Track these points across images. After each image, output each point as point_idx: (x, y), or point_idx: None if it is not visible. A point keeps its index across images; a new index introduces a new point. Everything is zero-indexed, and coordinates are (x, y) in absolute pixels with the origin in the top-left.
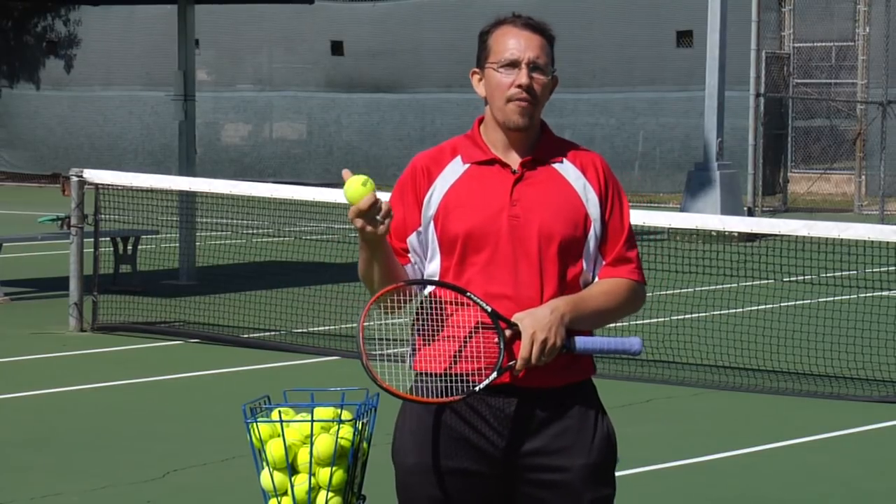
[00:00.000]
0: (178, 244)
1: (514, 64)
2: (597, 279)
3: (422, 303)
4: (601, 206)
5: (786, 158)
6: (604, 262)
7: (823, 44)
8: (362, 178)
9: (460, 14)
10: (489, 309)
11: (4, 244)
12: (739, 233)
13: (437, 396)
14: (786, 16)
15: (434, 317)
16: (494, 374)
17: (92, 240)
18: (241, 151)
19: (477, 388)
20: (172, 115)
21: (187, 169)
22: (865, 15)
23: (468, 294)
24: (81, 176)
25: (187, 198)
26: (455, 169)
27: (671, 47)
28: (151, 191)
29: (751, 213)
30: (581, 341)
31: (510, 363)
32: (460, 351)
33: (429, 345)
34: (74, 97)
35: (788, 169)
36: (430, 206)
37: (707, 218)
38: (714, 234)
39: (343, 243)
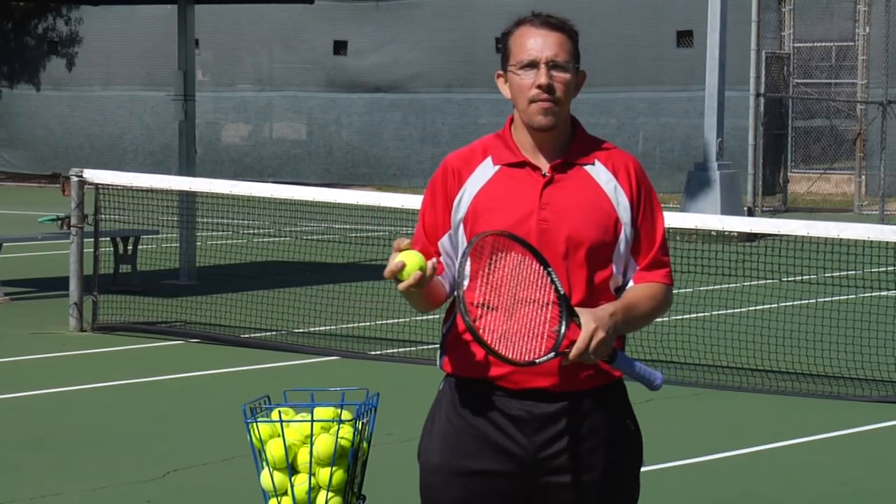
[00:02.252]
0: (178, 244)
1: (532, 64)
2: (631, 283)
3: (487, 278)
4: (632, 210)
5: (786, 158)
6: (638, 267)
7: (823, 44)
8: (411, 255)
9: (461, 14)
10: (562, 291)
11: (4, 244)
12: (739, 233)
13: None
14: (786, 16)
15: (498, 289)
16: (552, 354)
17: (92, 240)
18: (241, 151)
19: (537, 361)
20: (172, 115)
21: (187, 169)
22: (865, 15)
23: (549, 270)
24: (81, 176)
25: (187, 198)
26: (485, 171)
27: (671, 47)
28: (151, 191)
29: (751, 213)
30: (621, 356)
31: (566, 350)
32: (522, 327)
33: (491, 319)
34: (75, 97)
35: (788, 169)
36: (460, 209)
37: (707, 218)
38: (714, 234)
39: (343, 243)
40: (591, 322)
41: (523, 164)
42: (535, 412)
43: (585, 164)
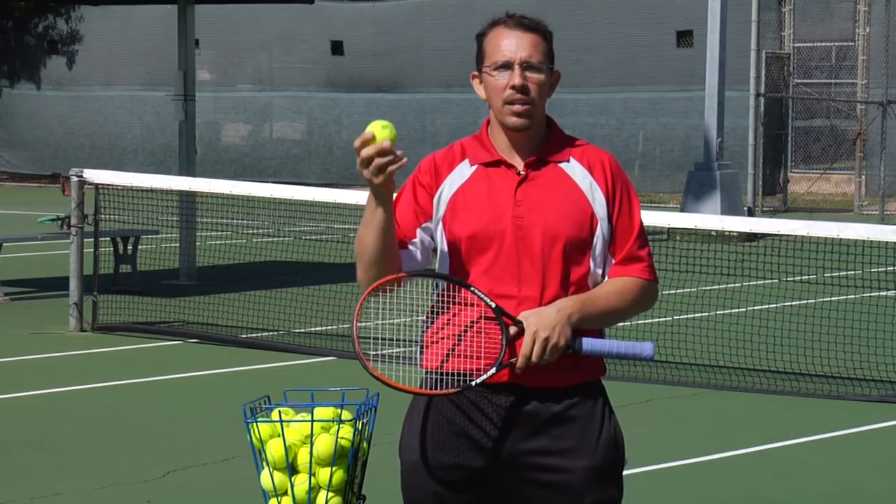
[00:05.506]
0: (178, 244)
1: (507, 65)
2: (606, 278)
3: (432, 298)
4: (608, 206)
5: (786, 158)
6: (614, 262)
7: (823, 44)
8: (381, 122)
9: (461, 14)
10: (493, 305)
11: (4, 244)
12: (739, 233)
13: (433, 389)
14: (786, 16)
15: (441, 313)
16: (493, 370)
17: (92, 240)
18: (241, 151)
19: (473, 383)
20: (172, 115)
21: (187, 169)
22: (865, 15)
23: (472, 289)
24: (81, 176)
25: (187, 198)
26: (463, 171)
27: (671, 47)
28: (151, 191)
29: (751, 213)
30: (588, 343)
31: (511, 360)
32: (464, 346)
33: (435, 341)
34: (75, 97)
35: (788, 169)
36: (439, 208)
37: (707, 218)
38: (714, 233)
39: (343, 243)
40: (532, 326)
41: (499, 162)
42: (509, 407)
43: (560, 162)
